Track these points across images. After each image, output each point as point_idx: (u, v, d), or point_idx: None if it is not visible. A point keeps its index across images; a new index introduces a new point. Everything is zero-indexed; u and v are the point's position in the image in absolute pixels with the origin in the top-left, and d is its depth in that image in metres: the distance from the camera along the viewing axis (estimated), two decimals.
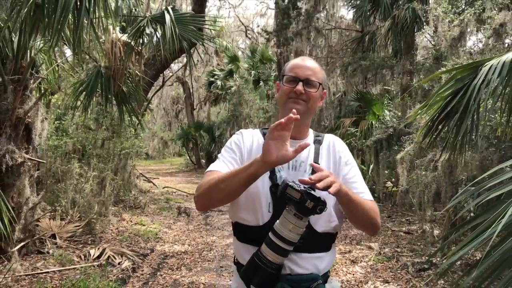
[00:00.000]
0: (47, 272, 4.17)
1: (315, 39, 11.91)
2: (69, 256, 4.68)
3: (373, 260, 5.03)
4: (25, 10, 2.89)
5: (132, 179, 9.66)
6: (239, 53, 24.06)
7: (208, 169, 1.50)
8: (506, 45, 5.21)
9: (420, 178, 4.76)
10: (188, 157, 22.54)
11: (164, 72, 16.10)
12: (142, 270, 4.69)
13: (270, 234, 1.35)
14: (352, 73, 10.05)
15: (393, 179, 8.71)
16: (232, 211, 1.53)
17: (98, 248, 4.92)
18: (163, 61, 8.47)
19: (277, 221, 1.36)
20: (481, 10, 6.36)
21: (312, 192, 1.30)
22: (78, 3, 3.10)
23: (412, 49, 9.05)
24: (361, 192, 1.49)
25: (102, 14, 3.42)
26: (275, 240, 1.33)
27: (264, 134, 1.56)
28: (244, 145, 1.55)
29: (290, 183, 1.31)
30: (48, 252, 4.69)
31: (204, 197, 1.42)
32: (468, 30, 8.10)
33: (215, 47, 19.40)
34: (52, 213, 5.81)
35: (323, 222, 1.45)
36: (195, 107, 24.32)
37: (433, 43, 7.83)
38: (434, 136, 3.53)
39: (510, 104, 3.34)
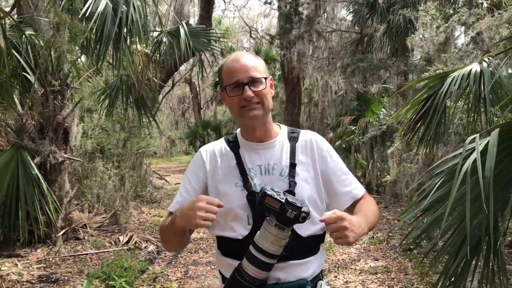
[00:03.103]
0: (86, 254, 4.91)
1: (317, 41, 12.57)
2: (102, 242, 5.41)
3: (366, 243, 5.72)
4: (80, 41, 3.62)
5: (147, 176, 10.42)
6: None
7: (170, 208, 1.47)
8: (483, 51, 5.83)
9: (406, 170, 5.45)
10: None
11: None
12: (165, 253, 5.41)
13: (250, 247, 1.28)
14: (351, 74, 10.72)
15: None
16: (212, 226, 1.43)
17: (126, 235, 5.66)
18: (173, 65, 9.19)
19: (258, 233, 1.28)
20: (466, 17, 7.00)
21: (293, 200, 1.25)
22: (117, 33, 3.82)
23: (406, 51, 9.69)
24: (354, 188, 1.47)
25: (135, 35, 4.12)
26: (256, 254, 1.25)
27: (228, 142, 1.50)
28: (204, 163, 1.47)
29: (269, 192, 1.24)
30: (84, 238, 5.43)
31: (166, 246, 1.55)
32: (456, 34, 8.76)
33: (220, 48, 20.05)
34: (81, 207, 6.56)
35: (306, 226, 1.35)
36: (202, 107, 25.09)
37: (424, 46, 8.45)
38: (412, 134, 4.21)
39: (474, 106, 4.00)
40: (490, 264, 2.33)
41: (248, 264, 1.27)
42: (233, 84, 1.38)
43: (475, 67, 3.63)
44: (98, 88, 7.51)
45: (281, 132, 1.51)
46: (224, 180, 1.42)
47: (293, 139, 1.48)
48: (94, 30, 3.70)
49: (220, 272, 1.47)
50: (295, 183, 1.39)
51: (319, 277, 1.45)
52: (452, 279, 2.39)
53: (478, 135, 2.09)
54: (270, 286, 1.32)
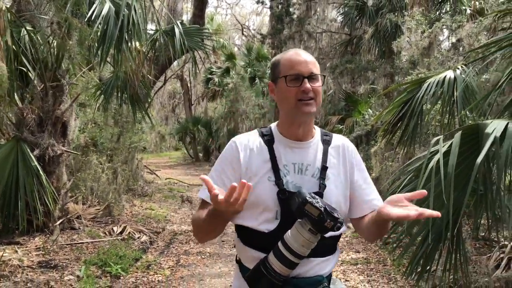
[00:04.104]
0: (82, 243, 5.14)
1: (307, 41, 12.87)
2: (97, 232, 5.64)
3: (349, 236, 6.03)
4: (85, 43, 3.86)
5: (138, 170, 10.63)
6: (235, 49, 24.97)
7: (199, 194, 1.48)
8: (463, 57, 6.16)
9: (388, 168, 5.76)
10: (185, 151, 23.43)
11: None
12: (158, 243, 5.67)
13: (280, 244, 1.32)
14: (339, 75, 11.05)
15: None
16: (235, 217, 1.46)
17: (120, 226, 5.89)
18: (166, 61, 9.41)
19: (288, 232, 1.32)
20: (449, 24, 7.35)
21: (331, 210, 1.29)
22: (119, 35, 4.06)
23: (393, 53, 10.02)
24: (374, 198, 1.49)
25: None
26: (285, 252, 1.31)
27: (262, 135, 1.50)
28: (239, 154, 1.46)
29: (309, 199, 1.28)
30: (79, 228, 5.66)
31: (198, 237, 1.51)
32: (443, 37, 9.12)
33: (212, 45, 20.22)
34: (75, 199, 6.77)
35: None
36: (192, 103, 25.28)
37: (409, 49, 8.79)
38: (391, 135, 4.52)
39: (449, 110, 4.31)
40: (453, 253, 2.64)
41: (275, 260, 1.31)
42: (293, 76, 1.41)
43: (449, 74, 3.93)
44: (91, 83, 7.71)
45: (316, 132, 1.53)
46: (258, 173, 1.43)
47: (326, 142, 1.51)
48: (98, 33, 3.95)
49: (238, 261, 1.49)
50: (325, 186, 1.43)
51: (331, 275, 1.50)
52: (421, 261, 2.69)
53: (441, 136, 2.37)
54: (288, 279, 1.35)
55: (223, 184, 1.41)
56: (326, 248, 1.42)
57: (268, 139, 1.48)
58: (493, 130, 2.36)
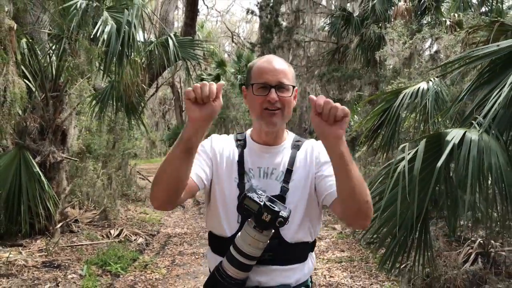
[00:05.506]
0: (82, 245, 5.41)
1: (296, 50, 13.27)
2: (95, 235, 5.92)
3: (335, 237, 6.38)
4: (90, 59, 4.18)
5: (131, 176, 10.90)
6: (225, 55, 25.32)
7: None
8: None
9: (371, 172, 6.13)
10: None
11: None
12: (153, 245, 5.96)
13: (231, 247, 1.31)
14: (327, 82, 11.44)
15: None
16: (206, 219, 1.53)
17: (117, 229, 6.17)
18: (160, 70, 9.71)
19: (238, 234, 1.31)
20: (428, 36, 7.77)
21: (273, 204, 1.26)
22: (120, 49, 4.39)
23: (377, 62, 10.45)
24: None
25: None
26: (236, 254, 1.28)
27: (236, 139, 1.52)
28: (213, 147, 1.49)
29: (250, 194, 1.27)
30: (78, 231, 5.92)
31: (154, 190, 1.31)
32: (425, 47, 9.56)
33: (203, 53, 20.49)
34: (72, 203, 7.02)
35: (293, 232, 1.39)
36: (183, 109, 25.54)
37: (392, 59, 9.20)
38: (371, 141, 4.88)
39: (423, 118, 4.69)
40: (422, 249, 3.00)
41: (227, 263, 1.30)
42: (261, 84, 1.39)
43: (423, 85, 4.31)
44: (84, 91, 7.97)
45: (287, 138, 1.53)
46: (226, 172, 1.45)
47: (295, 146, 1.50)
48: (102, 49, 4.29)
49: (209, 270, 1.48)
50: (287, 189, 1.41)
51: (305, 284, 1.45)
52: (392, 257, 3.04)
53: (407, 144, 2.72)
54: None
55: (199, 167, 1.42)
56: (290, 255, 1.39)
57: (241, 144, 1.50)
58: (453, 138, 2.69)
